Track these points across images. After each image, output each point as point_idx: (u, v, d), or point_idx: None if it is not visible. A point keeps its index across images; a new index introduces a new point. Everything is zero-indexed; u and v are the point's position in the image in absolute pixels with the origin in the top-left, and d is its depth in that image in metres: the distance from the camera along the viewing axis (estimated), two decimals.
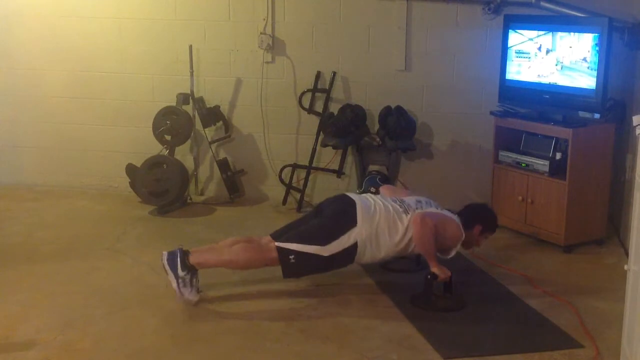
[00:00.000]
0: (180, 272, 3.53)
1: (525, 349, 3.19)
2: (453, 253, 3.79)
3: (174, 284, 3.53)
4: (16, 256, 4.23)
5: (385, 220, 3.67)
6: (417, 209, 3.75)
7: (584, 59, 4.33)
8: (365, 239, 3.63)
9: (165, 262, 3.55)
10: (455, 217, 3.79)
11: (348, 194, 3.91)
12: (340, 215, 3.70)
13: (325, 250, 3.60)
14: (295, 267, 3.64)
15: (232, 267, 3.72)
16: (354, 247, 3.63)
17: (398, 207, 3.74)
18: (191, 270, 3.56)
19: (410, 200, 3.84)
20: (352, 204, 3.73)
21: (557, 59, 4.50)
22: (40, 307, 3.55)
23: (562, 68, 4.48)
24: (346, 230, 3.62)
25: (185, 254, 3.57)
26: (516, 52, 4.74)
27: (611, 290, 3.84)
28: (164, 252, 3.59)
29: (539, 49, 4.60)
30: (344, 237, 3.61)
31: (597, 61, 4.24)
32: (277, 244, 3.62)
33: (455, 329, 3.39)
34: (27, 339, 3.20)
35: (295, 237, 3.64)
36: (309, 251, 3.60)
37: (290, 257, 3.61)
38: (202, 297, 3.64)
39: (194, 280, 3.57)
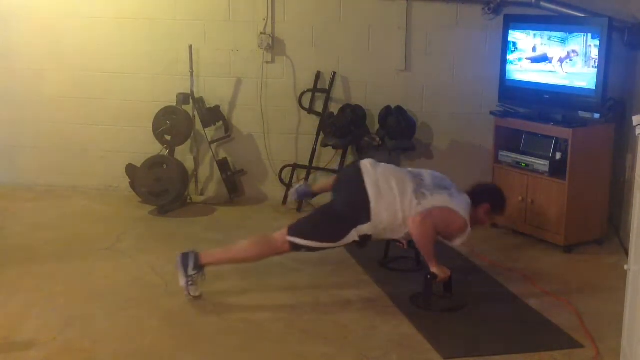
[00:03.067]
0: (191, 272, 3.61)
1: (525, 349, 3.19)
2: (459, 242, 3.76)
3: (182, 282, 3.63)
4: (16, 256, 4.23)
5: (391, 216, 3.61)
6: (432, 193, 3.67)
7: (584, 59, 4.33)
8: (378, 230, 3.64)
9: (179, 260, 3.65)
10: (461, 210, 3.69)
11: (364, 173, 3.70)
12: (347, 213, 3.65)
13: (337, 245, 3.66)
14: (307, 251, 3.73)
15: (241, 261, 3.77)
16: (367, 238, 3.65)
17: (413, 193, 3.64)
18: (200, 269, 3.64)
19: (427, 179, 3.75)
20: (363, 197, 3.61)
21: (557, 59, 4.50)
22: (40, 307, 3.55)
23: (562, 68, 4.48)
24: (358, 224, 3.59)
25: (198, 255, 3.65)
26: (516, 52, 4.74)
27: (611, 290, 3.84)
28: (177, 253, 3.69)
29: (539, 49, 4.60)
30: (352, 234, 3.61)
31: (597, 61, 4.24)
32: (289, 238, 3.62)
33: (455, 329, 3.39)
34: (27, 339, 3.20)
35: (309, 233, 3.64)
36: (320, 246, 3.66)
37: (302, 249, 3.68)
38: (202, 297, 3.65)
39: (200, 277, 3.65)
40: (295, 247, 3.65)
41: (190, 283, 3.61)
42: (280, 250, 3.67)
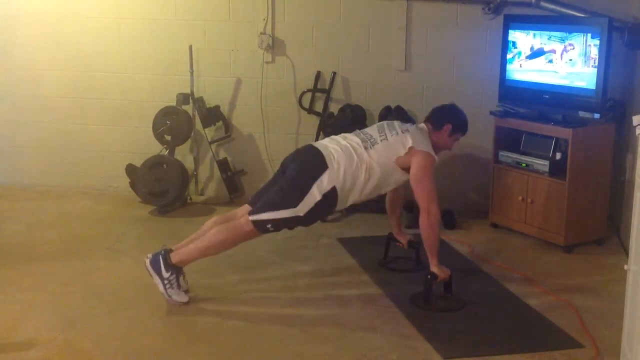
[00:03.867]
0: (165, 274, 3.51)
1: (525, 349, 3.19)
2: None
3: (160, 287, 3.52)
4: (16, 256, 4.23)
5: (347, 161, 3.60)
6: (381, 139, 3.69)
7: (584, 59, 4.33)
8: (341, 180, 3.57)
9: (149, 266, 3.53)
10: (422, 145, 3.69)
11: (312, 143, 3.81)
12: (304, 170, 3.61)
13: (299, 211, 3.53)
14: (276, 230, 3.62)
15: (214, 252, 3.62)
16: (332, 194, 3.55)
17: (360, 142, 3.68)
18: (175, 269, 3.53)
19: (372, 130, 3.79)
20: (315, 152, 3.64)
21: (557, 59, 4.50)
22: (40, 307, 3.55)
23: (562, 68, 4.48)
24: (311, 183, 3.53)
25: (167, 254, 3.54)
26: (516, 52, 4.74)
27: (611, 290, 3.84)
28: (147, 255, 3.57)
29: (539, 48, 4.60)
30: (312, 192, 3.52)
31: (597, 61, 4.24)
32: (250, 218, 3.54)
33: (455, 329, 3.39)
34: (27, 339, 3.20)
35: (266, 206, 3.56)
36: (284, 216, 3.53)
37: (267, 226, 3.56)
38: (202, 297, 3.65)
39: (180, 279, 3.54)
40: (260, 226, 3.53)
41: (168, 286, 3.50)
42: (245, 231, 3.55)
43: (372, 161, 3.65)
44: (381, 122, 3.92)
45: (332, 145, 3.70)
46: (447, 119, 3.89)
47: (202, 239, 3.61)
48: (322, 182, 3.54)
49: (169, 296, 3.53)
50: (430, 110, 3.99)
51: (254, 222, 3.54)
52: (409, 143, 3.68)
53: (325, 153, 3.63)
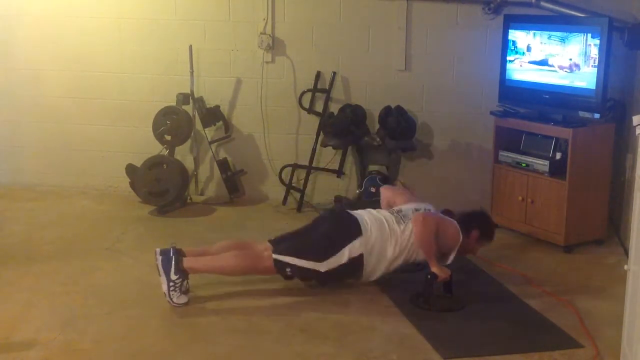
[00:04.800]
0: (173, 276, 3.52)
1: (525, 349, 3.19)
2: (451, 258, 3.76)
3: (165, 287, 3.53)
4: (16, 256, 4.22)
5: (379, 232, 3.67)
6: (414, 215, 3.75)
7: (584, 59, 4.33)
8: (368, 251, 3.64)
9: (159, 263, 3.55)
10: (454, 221, 3.78)
11: (347, 210, 3.91)
12: (340, 230, 3.70)
13: (322, 266, 3.60)
14: (292, 276, 3.68)
15: (225, 274, 3.70)
16: (358, 260, 3.63)
17: (393, 217, 3.76)
18: (183, 274, 3.55)
19: (408, 208, 3.84)
20: (351, 218, 3.73)
21: (557, 59, 4.50)
22: (40, 307, 3.55)
23: (561, 68, 4.48)
24: (343, 245, 3.61)
25: (179, 256, 3.56)
26: (516, 52, 4.74)
27: (611, 290, 3.84)
28: (156, 250, 3.59)
29: (539, 49, 4.60)
30: (341, 253, 3.60)
31: (597, 61, 4.24)
32: (274, 255, 3.61)
33: (455, 329, 3.39)
34: (27, 339, 3.20)
35: (292, 249, 3.63)
36: (305, 266, 3.61)
37: (287, 270, 3.64)
38: (202, 297, 3.65)
39: (184, 284, 3.57)
40: (280, 267, 3.61)
41: (172, 288, 3.52)
42: (264, 266, 3.62)
43: (404, 236, 3.69)
44: (418, 204, 3.90)
45: (367, 215, 3.78)
46: (476, 227, 3.85)
47: (218, 257, 3.67)
48: (354, 245, 3.62)
49: (170, 297, 3.54)
50: (461, 213, 3.92)
51: (275, 261, 3.60)
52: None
53: (360, 220, 3.70)
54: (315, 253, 3.61)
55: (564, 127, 4.41)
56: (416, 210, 3.80)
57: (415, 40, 5.20)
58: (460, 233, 3.73)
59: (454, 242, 3.72)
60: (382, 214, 3.81)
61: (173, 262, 3.53)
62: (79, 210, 5.20)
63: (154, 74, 5.47)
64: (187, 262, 3.57)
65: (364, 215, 3.77)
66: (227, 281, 3.86)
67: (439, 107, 5.27)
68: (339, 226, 3.74)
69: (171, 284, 3.52)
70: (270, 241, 3.76)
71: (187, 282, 3.60)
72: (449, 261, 3.75)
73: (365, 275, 3.71)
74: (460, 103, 5.23)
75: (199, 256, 3.66)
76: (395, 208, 3.89)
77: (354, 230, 3.65)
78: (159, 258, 3.56)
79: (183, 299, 3.56)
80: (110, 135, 5.61)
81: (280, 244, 3.70)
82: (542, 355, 3.14)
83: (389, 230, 3.69)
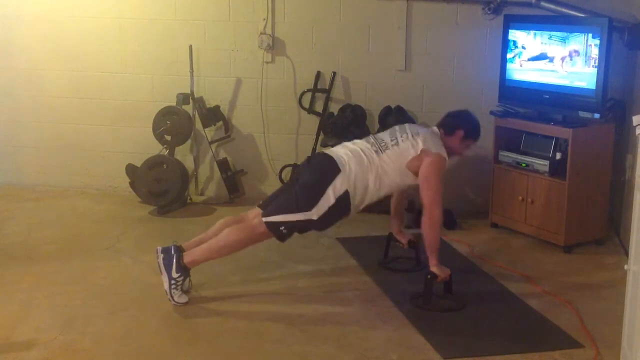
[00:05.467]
0: (175, 274, 3.52)
1: (525, 349, 3.19)
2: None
3: (166, 285, 3.53)
4: (16, 256, 4.23)
5: (357, 165, 3.62)
6: (393, 144, 3.71)
7: (584, 59, 4.33)
8: (352, 186, 3.59)
9: (161, 261, 3.55)
10: (433, 147, 3.70)
11: (323, 151, 3.87)
12: (318, 175, 3.64)
13: (313, 214, 3.55)
14: (290, 234, 3.64)
15: (226, 253, 3.65)
16: (344, 198, 3.58)
17: (369, 146, 3.72)
18: (185, 271, 3.55)
19: (384, 134, 3.81)
20: (328, 158, 3.68)
21: (557, 59, 4.50)
22: (40, 307, 3.55)
23: (562, 68, 4.48)
24: (326, 187, 3.56)
25: (180, 253, 3.56)
26: (516, 52, 4.74)
27: (611, 290, 3.84)
28: (158, 248, 3.59)
29: (539, 48, 4.60)
30: (326, 195, 3.55)
31: (597, 61, 4.24)
32: (264, 219, 3.57)
33: (455, 329, 3.39)
34: (27, 339, 3.20)
35: (280, 208, 3.59)
36: (298, 219, 3.56)
37: (280, 228, 3.58)
38: (202, 297, 3.65)
39: (186, 282, 3.57)
40: (273, 228, 3.56)
41: (174, 286, 3.52)
42: (259, 232, 3.58)
43: (384, 164, 3.66)
44: (393, 127, 3.91)
45: (343, 150, 3.74)
46: (460, 125, 3.87)
47: (214, 240, 3.62)
48: (336, 185, 3.57)
49: (172, 296, 3.54)
50: (444, 115, 3.96)
51: (267, 224, 3.57)
52: (420, 146, 3.69)
53: (336, 157, 3.66)
54: (302, 204, 3.55)
55: (564, 127, 4.41)
56: (392, 135, 3.76)
57: (415, 40, 5.20)
58: (446, 157, 3.71)
59: (443, 164, 3.70)
60: (357, 145, 3.76)
61: (174, 260, 3.53)
62: (79, 210, 5.20)
63: (154, 74, 5.47)
64: (187, 257, 3.56)
65: (339, 152, 3.72)
66: (227, 281, 3.87)
67: (439, 107, 5.24)
68: (316, 171, 3.67)
69: (173, 282, 3.52)
70: (259, 206, 3.73)
71: (190, 280, 3.60)
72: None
73: (354, 208, 3.67)
74: (460, 103, 5.19)
75: (196, 247, 3.63)
76: (372, 136, 3.85)
77: (332, 169, 3.59)
78: (161, 256, 3.55)
79: (184, 298, 3.56)
80: (110, 135, 5.61)
81: (268, 206, 3.66)
82: (542, 355, 3.14)
83: (367, 161, 3.65)
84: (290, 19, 5.30)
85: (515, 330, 3.40)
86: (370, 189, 3.66)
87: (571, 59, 4.41)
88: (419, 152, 3.68)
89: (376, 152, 3.69)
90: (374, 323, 3.44)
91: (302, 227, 3.64)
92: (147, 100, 5.46)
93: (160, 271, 3.55)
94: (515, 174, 4.69)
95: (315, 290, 3.81)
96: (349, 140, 3.86)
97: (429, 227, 3.61)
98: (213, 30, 5.38)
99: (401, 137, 3.75)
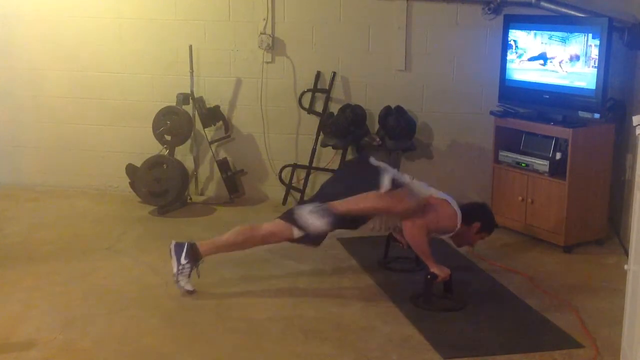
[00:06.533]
0: (183, 260, 3.62)
1: (525, 349, 3.19)
2: (445, 236, 3.85)
3: (175, 270, 3.63)
4: (16, 256, 4.23)
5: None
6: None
7: (584, 59, 4.33)
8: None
9: (172, 247, 3.67)
10: (449, 199, 3.78)
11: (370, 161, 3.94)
12: (366, 177, 3.73)
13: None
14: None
15: (250, 245, 3.75)
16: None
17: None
18: (193, 261, 3.63)
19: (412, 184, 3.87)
20: (375, 169, 3.77)
21: (557, 59, 4.50)
22: (40, 307, 3.55)
23: (561, 68, 4.48)
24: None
25: (193, 246, 3.66)
26: (516, 52, 4.74)
27: (611, 290, 3.84)
28: (172, 241, 3.70)
29: (539, 48, 4.60)
30: None
31: (597, 61, 4.24)
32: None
33: (455, 329, 3.39)
34: (27, 339, 3.20)
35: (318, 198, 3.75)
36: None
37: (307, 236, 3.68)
38: (202, 297, 3.66)
39: (193, 271, 3.65)
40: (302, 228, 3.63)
41: (181, 272, 3.62)
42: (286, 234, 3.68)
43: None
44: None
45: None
46: (478, 218, 3.89)
47: (236, 233, 3.72)
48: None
49: (178, 281, 3.63)
50: (463, 204, 3.92)
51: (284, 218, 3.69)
52: (431, 192, 3.80)
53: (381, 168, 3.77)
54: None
55: (564, 127, 4.41)
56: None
57: (415, 40, 5.20)
58: (458, 216, 3.74)
59: (450, 224, 3.74)
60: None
61: (185, 247, 3.64)
62: (79, 210, 5.20)
63: (154, 74, 5.47)
64: (202, 247, 3.67)
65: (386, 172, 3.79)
66: (227, 281, 3.87)
67: (439, 107, 5.27)
68: (363, 178, 3.76)
69: (180, 267, 3.62)
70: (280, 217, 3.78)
71: (198, 270, 3.67)
72: (443, 237, 3.87)
73: (362, 225, 3.79)
74: (460, 103, 5.23)
75: (213, 240, 3.76)
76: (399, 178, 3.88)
77: (375, 182, 3.67)
78: (173, 244, 3.67)
79: (189, 287, 3.65)
80: (110, 135, 5.61)
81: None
82: (542, 355, 3.14)
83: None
84: (290, 19, 5.30)
85: (515, 330, 3.40)
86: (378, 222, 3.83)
87: (571, 59, 4.41)
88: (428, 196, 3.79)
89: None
90: (374, 323, 3.44)
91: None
92: (147, 100, 5.46)
93: (170, 256, 3.65)
94: (515, 174, 4.69)
95: (315, 290, 3.81)
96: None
97: (411, 235, 3.65)
98: (213, 30, 5.38)
99: (418, 182, 3.88)
